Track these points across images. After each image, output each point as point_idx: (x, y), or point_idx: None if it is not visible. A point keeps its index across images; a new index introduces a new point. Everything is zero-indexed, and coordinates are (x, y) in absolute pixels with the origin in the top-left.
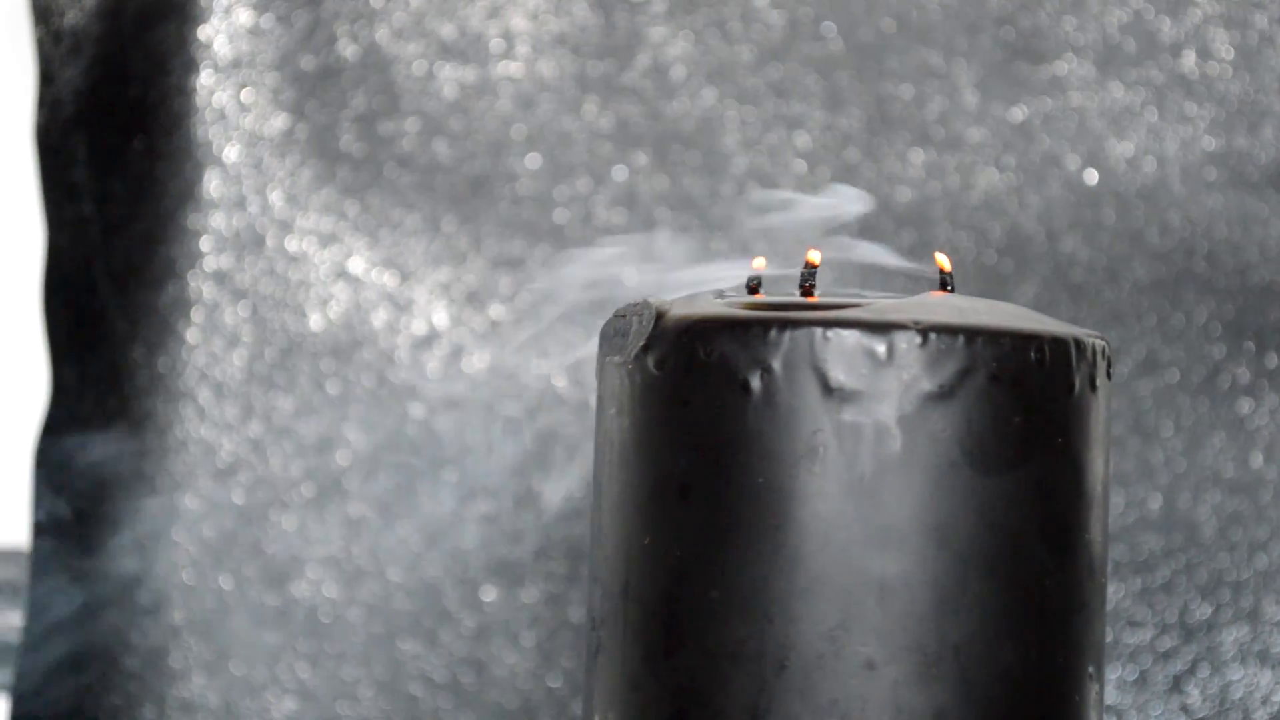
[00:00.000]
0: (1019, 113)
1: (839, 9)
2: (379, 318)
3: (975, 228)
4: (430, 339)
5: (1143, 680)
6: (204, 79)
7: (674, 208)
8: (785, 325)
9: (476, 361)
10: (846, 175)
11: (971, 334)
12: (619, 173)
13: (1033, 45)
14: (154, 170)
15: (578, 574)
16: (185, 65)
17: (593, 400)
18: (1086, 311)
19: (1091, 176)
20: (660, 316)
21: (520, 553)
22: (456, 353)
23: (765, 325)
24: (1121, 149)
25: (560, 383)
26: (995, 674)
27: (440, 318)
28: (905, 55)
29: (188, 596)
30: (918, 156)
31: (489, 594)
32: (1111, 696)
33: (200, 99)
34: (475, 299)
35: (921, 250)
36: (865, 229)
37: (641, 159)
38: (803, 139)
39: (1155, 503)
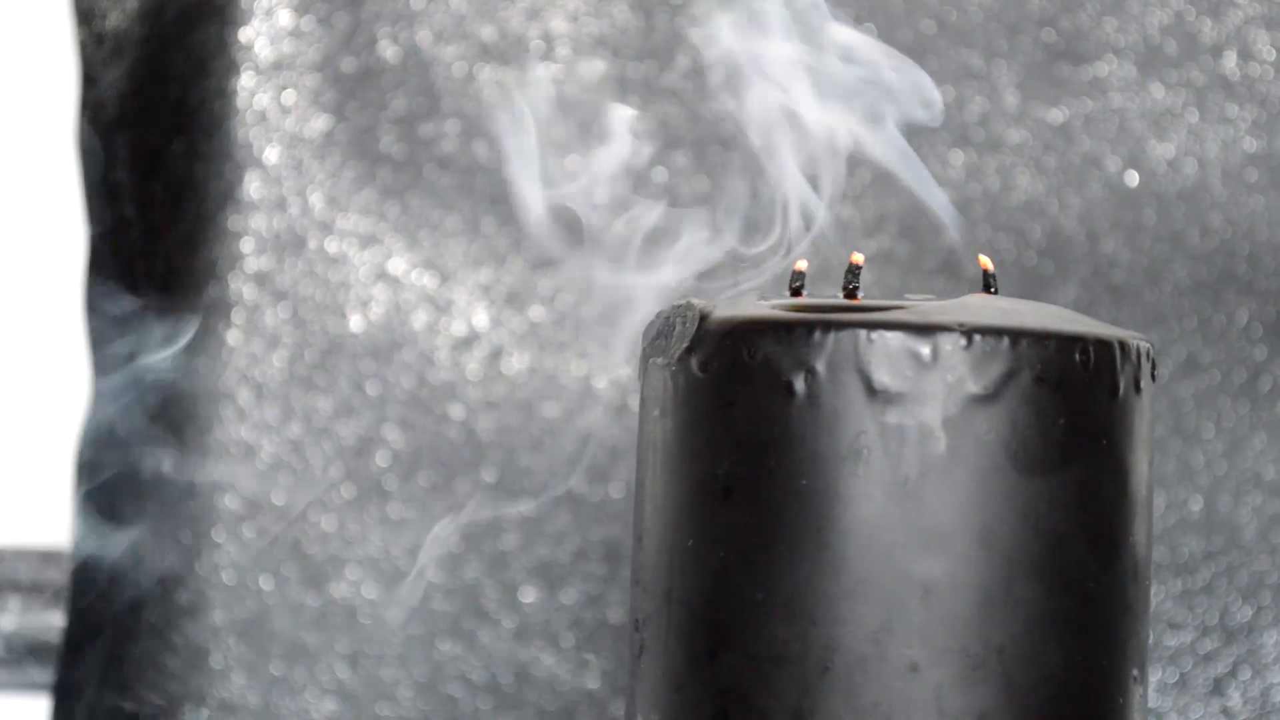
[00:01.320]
0: (1059, 114)
1: (878, 10)
2: (419, 319)
3: (1016, 229)
4: (470, 340)
5: (1183, 683)
6: (245, 81)
7: (714, 209)
8: (829, 327)
9: (516, 363)
10: (887, 177)
11: (1016, 336)
12: (658, 174)
13: (1073, 47)
14: (195, 172)
15: (616, 575)
16: (226, 67)
17: (632, 402)
18: (1127, 313)
19: (1132, 178)
20: (704, 318)
21: (559, 554)
22: (496, 354)
23: (809, 327)
24: (1162, 150)
25: (599, 384)
26: (1039, 676)
27: (480, 319)
28: (945, 57)
29: (228, 597)
30: (958, 158)
31: (528, 595)
32: (1152, 699)
33: (241, 101)
34: (515, 300)
35: (962, 252)
36: (905, 230)
37: (681, 160)
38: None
39: (1196, 505)
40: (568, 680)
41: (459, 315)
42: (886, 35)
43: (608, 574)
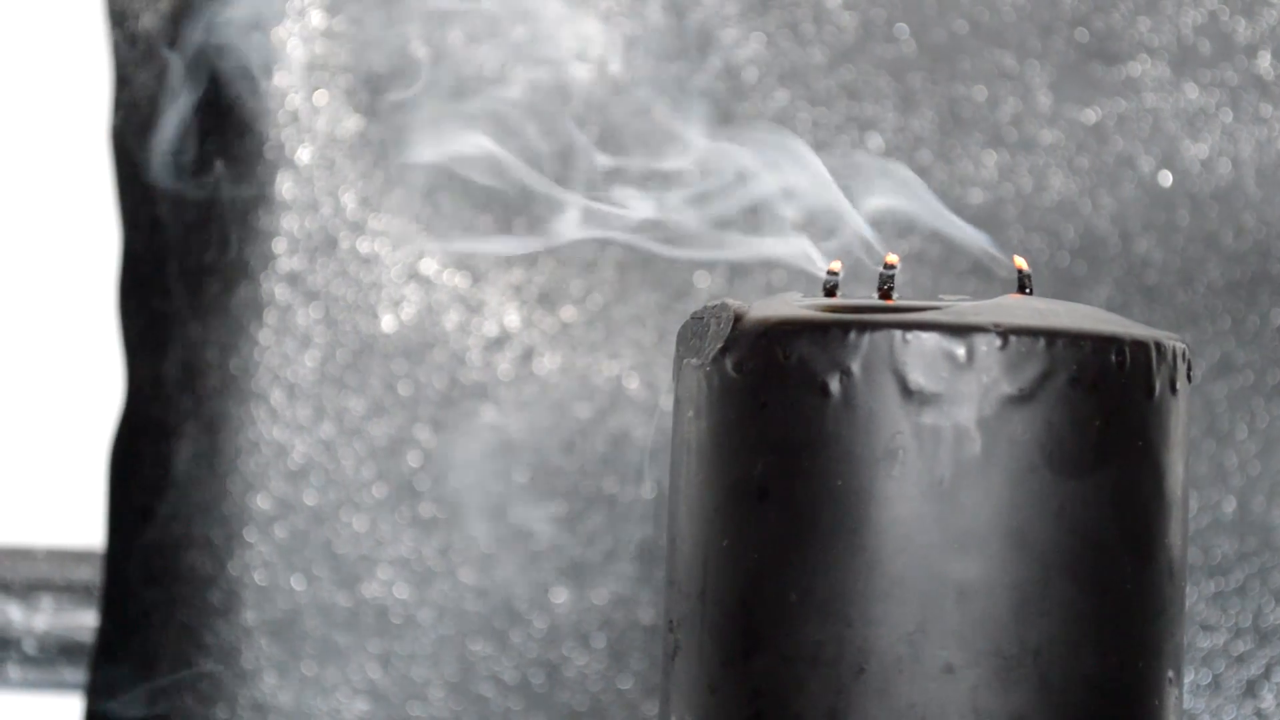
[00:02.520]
0: (1093, 114)
1: (912, 10)
2: (451, 319)
3: (1048, 230)
4: (502, 340)
5: (1216, 685)
6: (277, 81)
7: (745, 209)
8: (864, 328)
9: (548, 363)
10: (920, 176)
11: (1052, 337)
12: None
13: (1106, 46)
14: (227, 172)
15: (648, 575)
16: (258, 67)
17: (662, 401)
18: (1160, 314)
19: (1166, 178)
20: (739, 318)
21: (591, 554)
22: (528, 354)
23: (844, 327)
24: (1196, 150)
25: (631, 384)
26: (1075, 678)
27: (512, 319)
28: (978, 57)
29: (260, 597)
30: (990, 158)
31: (559, 595)
32: (1185, 701)
33: (273, 101)
34: (547, 300)
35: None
36: (937, 233)
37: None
38: (875, 141)
39: (1229, 506)
40: (599, 680)
41: (491, 315)
42: (919, 35)
43: (639, 574)
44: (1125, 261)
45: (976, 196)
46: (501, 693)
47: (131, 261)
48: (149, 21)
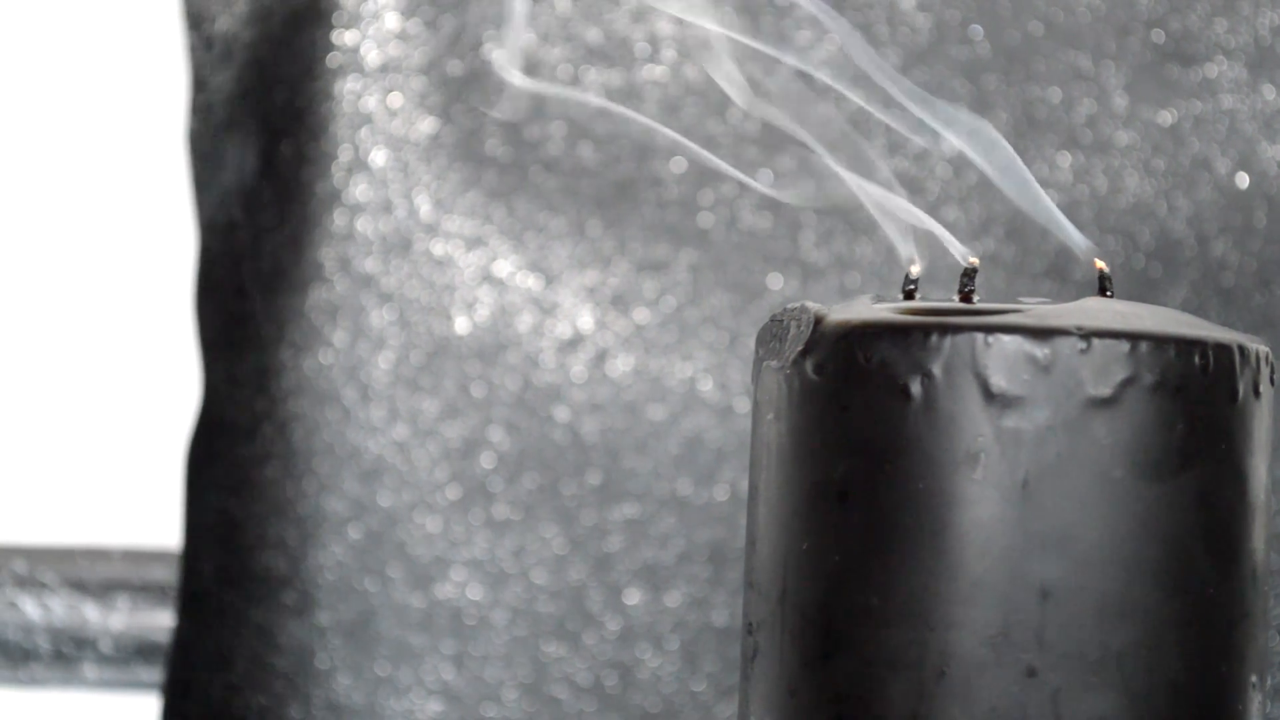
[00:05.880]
0: (1169, 116)
1: (986, 12)
2: (524, 321)
3: (1124, 232)
4: (575, 342)
5: None
6: (351, 84)
7: (818, 211)
8: (946, 330)
9: (621, 365)
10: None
11: (1135, 340)
12: (763, 177)
13: (1183, 48)
14: (302, 174)
15: (721, 577)
16: (333, 71)
17: (737, 404)
18: (1237, 316)
19: (1242, 180)
20: (819, 321)
21: (664, 556)
22: (601, 356)
23: (926, 330)
24: (1273, 152)
25: (704, 386)
26: (1158, 683)
27: (585, 321)
28: (1053, 58)
29: (334, 598)
30: (1066, 160)
31: (633, 597)
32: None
33: (348, 104)
34: (620, 302)
35: (1069, 255)
36: (1012, 232)
37: (786, 163)
38: (949, 143)
39: None
40: (672, 682)
41: (564, 317)
42: (994, 37)
43: (712, 576)
44: (1201, 264)
45: (1051, 198)
46: (575, 694)
47: (207, 264)
48: (225, 24)
